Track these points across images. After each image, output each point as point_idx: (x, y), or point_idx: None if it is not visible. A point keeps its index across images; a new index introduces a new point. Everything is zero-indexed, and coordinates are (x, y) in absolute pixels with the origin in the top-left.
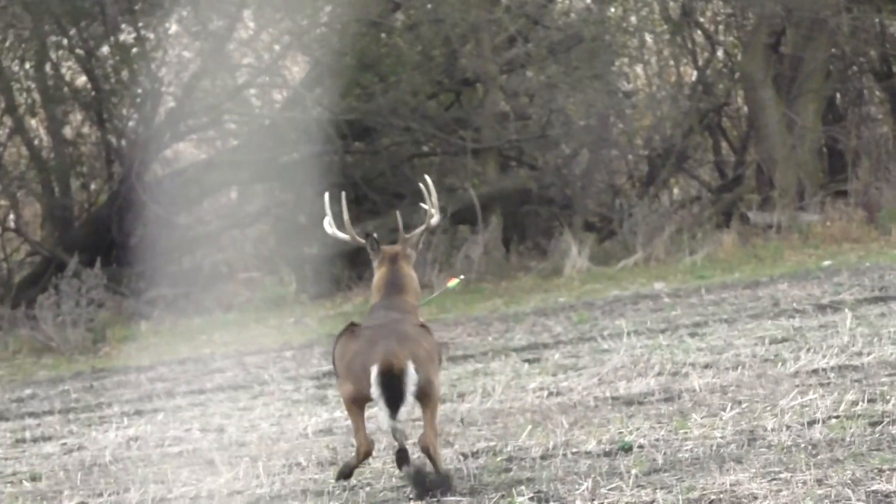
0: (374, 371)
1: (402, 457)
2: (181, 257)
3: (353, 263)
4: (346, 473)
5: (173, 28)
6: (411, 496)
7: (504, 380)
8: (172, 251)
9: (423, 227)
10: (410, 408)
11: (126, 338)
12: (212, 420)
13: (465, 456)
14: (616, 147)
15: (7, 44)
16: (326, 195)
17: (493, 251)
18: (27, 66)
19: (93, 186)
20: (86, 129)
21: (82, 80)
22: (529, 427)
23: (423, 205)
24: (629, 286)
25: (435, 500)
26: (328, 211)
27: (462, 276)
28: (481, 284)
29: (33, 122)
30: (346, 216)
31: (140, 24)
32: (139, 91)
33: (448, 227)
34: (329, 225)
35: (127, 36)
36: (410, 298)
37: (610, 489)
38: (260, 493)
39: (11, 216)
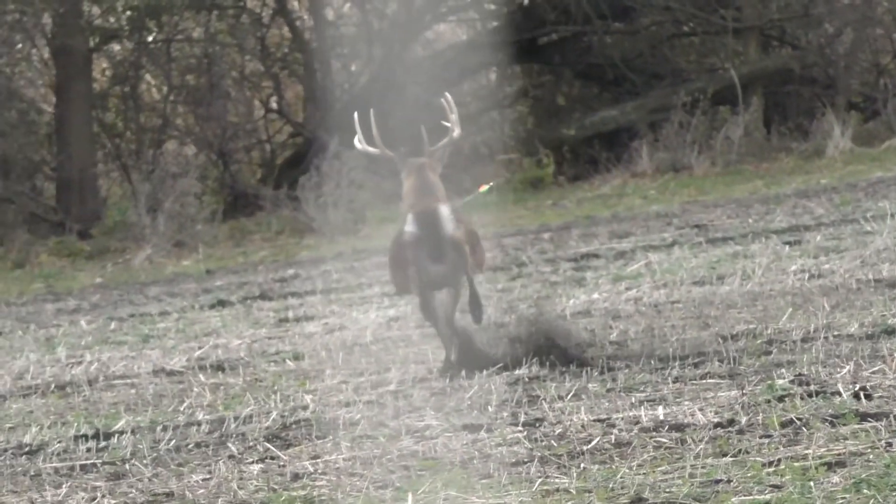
0: (410, 217)
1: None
2: (440, 139)
3: (611, 145)
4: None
5: None
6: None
7: (764, 262)
8: (432, 133)
9: (446, 140)
10: (452, 247)
11: (385, 219)
12: None
13: (725, 338)
14: (881, 25)
15: None
16: (356, 115)
17: (754, 132)
18: None
19: (353, 68)
20: (346, 10)
21: None
22: (790, 310)
23: (444, 122)
24: (893, 167)
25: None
26: (358, 129)
27: (491, 183)
28: (741, 166)
29: (296, 4)
30: (374, 130)
31: None
32: None
33: (708, 108)
34: (359, 142)
35: None
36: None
37: (872, 372)
38: (518, 374)
39: (274, 97)
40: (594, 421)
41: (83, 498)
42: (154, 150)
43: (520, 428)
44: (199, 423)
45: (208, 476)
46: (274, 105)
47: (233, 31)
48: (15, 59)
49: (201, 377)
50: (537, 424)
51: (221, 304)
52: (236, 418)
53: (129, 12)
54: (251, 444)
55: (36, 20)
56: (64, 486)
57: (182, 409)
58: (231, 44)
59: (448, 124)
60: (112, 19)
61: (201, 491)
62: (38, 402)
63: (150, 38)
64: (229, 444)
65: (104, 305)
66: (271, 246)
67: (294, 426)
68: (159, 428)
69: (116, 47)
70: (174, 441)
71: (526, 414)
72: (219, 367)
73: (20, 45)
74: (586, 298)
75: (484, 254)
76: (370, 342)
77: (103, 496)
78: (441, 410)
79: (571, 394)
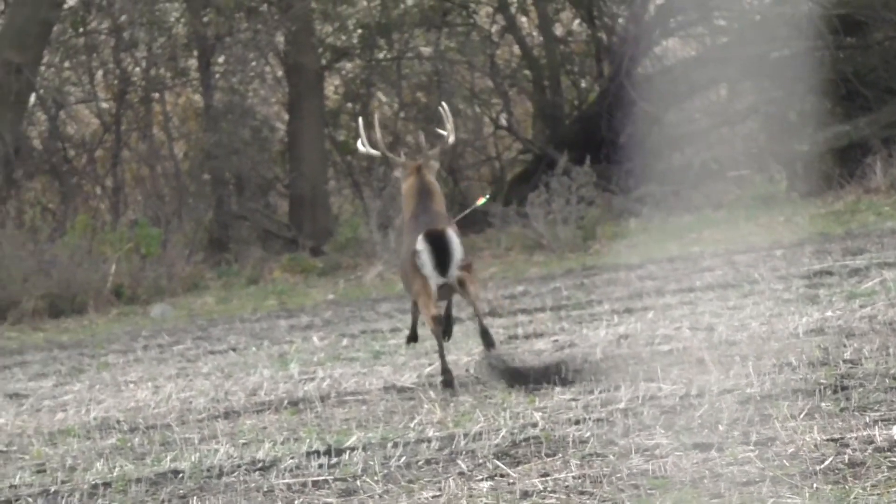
0: (420, 238)
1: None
2: (670, 155)
3: (844, 161)
4: (413, 337)
5: None
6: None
7: None
8: (661, 149)
9: (440, 146)
10: (458, 265)
11: (615, 235)
12: (701, 318)
13: None
14: None
15: None
16: (360, 119)
17: None
18: None
19: (583, 84)
20: (576, 27)
21: None
22: None
23: (438, 130)
24: None
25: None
26: (361, 132)
27: (488, 195)
28: None
29: (524, 21)
30: (378, 134)
31: None
32: None
33: None
34: (361, 144)
35: None
36: (438, 204)
37: None
38: (750, 393)
39: (503, 114)
40: (827, 440)
41: None
42: (385, 168)
43: (751, 447)
44: (429, 440)
45: (438, 493)
46: (503, 122)
47: (462, 49)
48: (248, 77)
49: (431, 394)
50: (769, 444)
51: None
52: (466, 435)
53: (360, 30)
54: (480, 461)
55: (269, 38)
56: (296, 501)
57: (412, 425)
58: (460, 61)
59: (443, 132)
60: (343, 37)
61: None
62: (271, 418)
63: (380, 56)
64: (459, 461)
65: (336, 322)
66: (500, 262)
67: (523, 443)
68: (390, 444)
69: (347, 65)
70: (404, 458)
71: (757, 433)
72: (448, 384)
73: (253, 64)
74: (819, 316)
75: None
76: (600, 359)
77: None
78: (671, 429)
79: (804, 413)
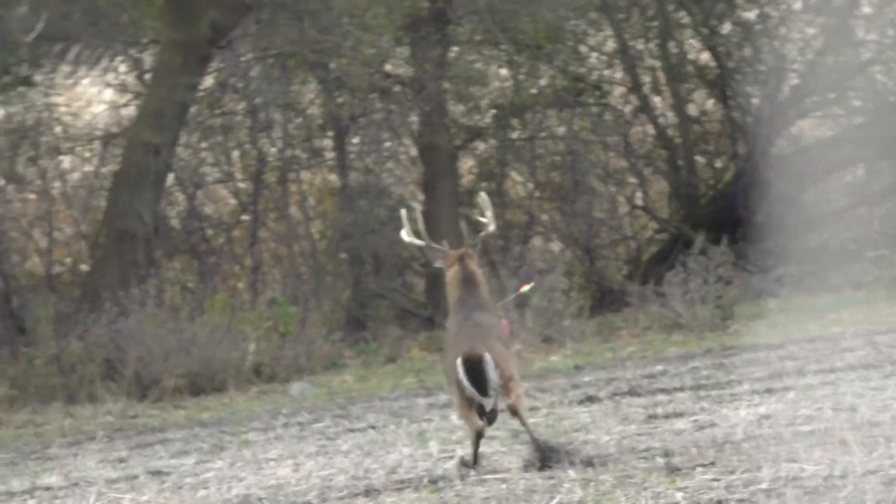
0: (459, 361)
1: (491, 417)
2: (807, 234)
3: None
4: (467, 462)
5: (797, 4)
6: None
7: None
8: (798, 228)
9: (482, 234)
10: (497, 388)
11: (754, 315)
12: (843, 399)
13: None
14: None
15: (631, 22)
16: (403, 211)
17: None
18: (651, 44)
19: (718, 164)
20: (709, 107)
21: (705, 57)
22: None
23: (480, 218)
24: None
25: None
26: (405, 222)
27: (532, 283)
28: None
29: (658, 101)
30: (421, 225)
31: (763, 1)
32: (763, 68)
33: None
34: (406, 234)
35: (749, 13)
36: (483, 291)
37: None
38: (894, 474)
39: (639, 194)
40: None
41: None
42: (521, 246)
43: None
44: None
45: None
46: (639, 201)
47: (596, 128)
48: (383, 157)
49: (571, 473)
50: None
51: (590, 399)
52: None
53: (493, 110)
54: None
55: (403, 119)
56: None
57: None
58: (594, 140)
59: (484, 220)
60: (476, 117)
61: None
62: (411, 497)
63: (514, 136)
64: None
65: None
66: (639, 341)
67: None
68: None
69: (481, 145)
70: None
71: None
72: (588, 463)
73: (388, 144)
74: None
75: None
76: (741, 439)
77: None
78: None
79: None
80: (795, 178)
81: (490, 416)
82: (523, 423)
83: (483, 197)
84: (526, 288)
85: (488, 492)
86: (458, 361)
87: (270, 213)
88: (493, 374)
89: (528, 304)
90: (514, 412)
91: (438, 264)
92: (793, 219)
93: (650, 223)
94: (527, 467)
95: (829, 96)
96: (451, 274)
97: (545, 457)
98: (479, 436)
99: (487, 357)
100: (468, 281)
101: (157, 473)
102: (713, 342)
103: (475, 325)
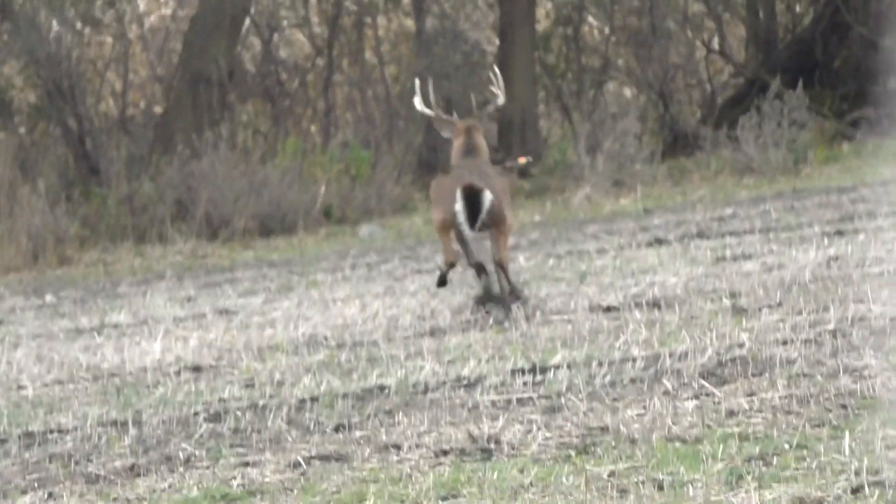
0: (459, 190)
1: (479, 268)
2: (886, 79)
3: None
4: (442, 281)
5: None
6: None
7: None
8: (876, 73)
9: (491, 107)
10: (486, 223)
11: (827, 159)
12: None
13: None
14: None
15: None
16: (417, 80)
17: None
18: None
19: (797, 8)
20: None
21: None
22: None
23: (492, 87)
24: None
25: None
26: (418, 92)
27: (530, 157)
28: None
29: None
30: (431, 96)
31: None
32: None
33: None
34: (419, 103)
35: None
36: (485, 160)
37: None
38: None
39: (716, 38)
40: None
41: (519, 430)
42: (595, 91)
43: None
44: (634, 359)
45: (643, 411)
46: (716, 46)
47: None
48: (460, 2)
49: (637, 314)
50: None
51: (659, 242)
52: (671, 355)
53: None
54: (686, 380)
55: None
56: (500, 418)
57: (617, 345)
58: None
59: (497, 91)
60: None
61: (636, 426)
62: (476, 336)
63: None
64: (664, 381)
65: (543, 242)
66: (709, 185)
67: (729, 363)
68: (595, 363)
69: None
70: (609, 376)
71: None
72: (655, 304)
73: None
74: None
75: (513, 221)
76: (809, 281)
77: (539, 429)
78: (880, 350)
79: None
80: (875, 23)
81: (477, 268)
82: (507, 278)
83: (495, 70)
84: (523, 160)
85: (554, 332)
86: (458, 189)
87: (345, 57)
88: (486, 207)
89: (529, 173)
90: (499, 265)
91: (446, 134)
92: (871, 63)
93: (726, 67)
94: (593, 308)
95: None
96: (457, 144)
97: (509, 306)
98: (451, 265)
99: (487, 192)
100: (471, 150)
101: (224, 312)
102: (784, 185)
103: (477, 168)
